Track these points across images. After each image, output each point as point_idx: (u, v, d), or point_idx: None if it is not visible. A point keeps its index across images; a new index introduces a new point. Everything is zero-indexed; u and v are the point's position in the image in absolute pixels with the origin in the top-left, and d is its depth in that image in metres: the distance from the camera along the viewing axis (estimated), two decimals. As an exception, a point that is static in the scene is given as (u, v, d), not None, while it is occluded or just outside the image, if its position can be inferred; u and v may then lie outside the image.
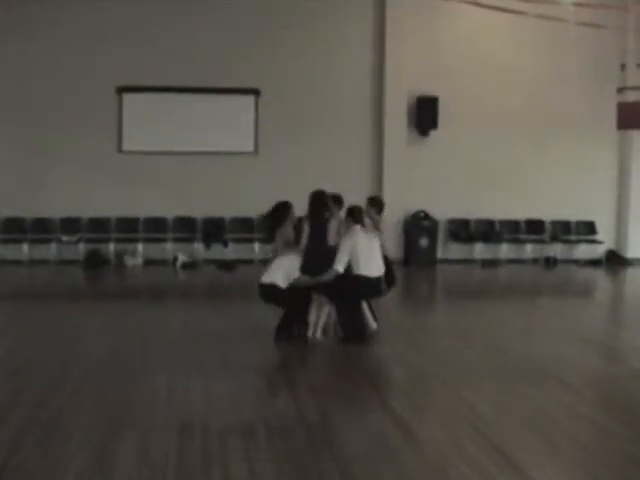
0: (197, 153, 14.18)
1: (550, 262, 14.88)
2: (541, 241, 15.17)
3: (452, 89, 14.55)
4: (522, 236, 15.15)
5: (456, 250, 14.98)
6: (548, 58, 14.92)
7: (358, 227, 7.85)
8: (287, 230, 7.87)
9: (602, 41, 14.54)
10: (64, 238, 13.74)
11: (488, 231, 15.00)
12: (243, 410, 5.69)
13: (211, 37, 14.04)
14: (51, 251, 13.72)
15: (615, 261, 15.13)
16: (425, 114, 14.51)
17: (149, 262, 13.84)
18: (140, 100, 14.06)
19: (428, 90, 14.53)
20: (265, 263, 8.46)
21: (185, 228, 14.23)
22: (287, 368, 7.11)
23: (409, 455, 4.74)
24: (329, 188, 8.19)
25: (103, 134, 13.93)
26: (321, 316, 7.82)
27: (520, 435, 5.13)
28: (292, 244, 7.81)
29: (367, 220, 7.98)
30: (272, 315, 7.94)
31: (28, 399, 5.77)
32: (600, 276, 14.26)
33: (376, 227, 8.09)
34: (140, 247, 13.91)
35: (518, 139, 14.93)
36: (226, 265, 13.58)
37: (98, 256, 13.67)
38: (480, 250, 14.88)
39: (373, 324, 8.05)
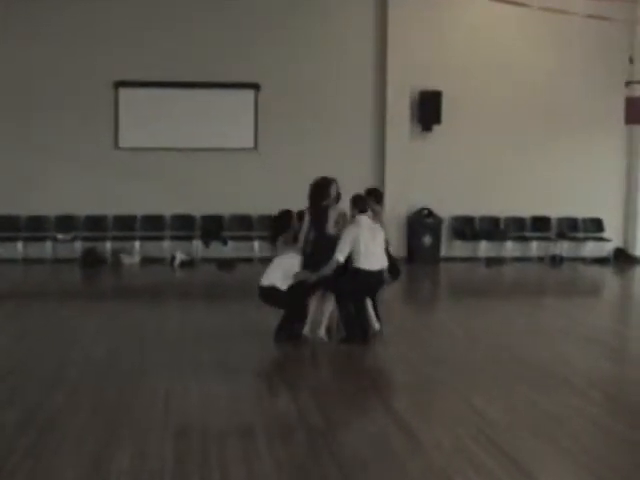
0: (195, 149, 14.18)
1: (556, 260, 14.88)
2: (547, 239, 15.16)
3: (456, 83, 14.54)
4: (527, 234, 15.15)
5: (460, 248, 14.99)
6: (554, 52, 14.90)
7: (363, 217, 7.81)
8: (288, 234, 7.94)
9: (610, 34, 14.54)
10: (59, 236, 13.75)
11: (493, 228, 15.00)
12: (242, 412, 5.68)
13: (210, 30, 14.02)
14: (46, 250, 13.73)
15: (623, 259, 15.12)
16: (428, 109, 14.49)
17: (146, 261, 13.84)
18: (137, 95, 14.05)
19: (431, 84, 14.51)
20: (265, 262, 8.46)
21: (183, 226, 14.23)
22: (287, 369, 7.10)
23: (413, 459, 4.73)
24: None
25: (99, 130, 13.94)
26: (325, 313, 7.78)
27: (527, 438, 5.11)
28: (290, 242, 7.84)
29: (369, 212, 7.97)
30: (272, 315, 7.93)
31: (24, 400, 5.78)
32: (608, 275, 14.25)
33: (377, 218, 8.07)
34: (137, 245, 13.92)
35: (523, 134, 14.91)
36: (225, 264, 13.58)
37: (94, 255, 13.68)
38: (485, 248, 14.87)
39: (376, 324, 8.04)
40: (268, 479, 4.42)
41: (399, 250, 13.44)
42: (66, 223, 13.90)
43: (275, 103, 14.21)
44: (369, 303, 8.01)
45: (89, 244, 13.79)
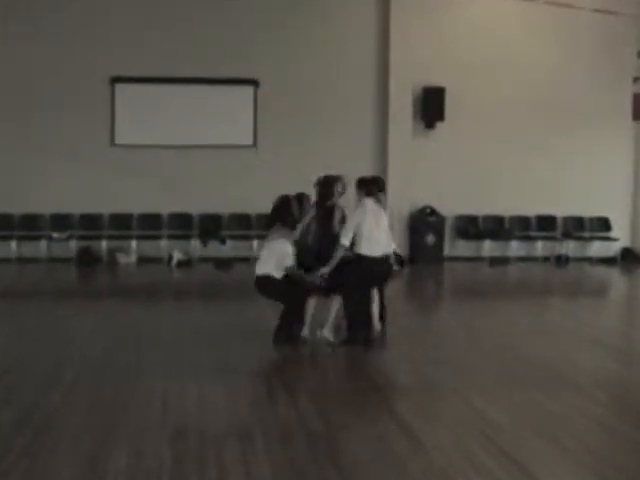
0: (193, 146, 14.22)
1: (562, 260, 14.91)
2: (553, 238, 15.19)
3: (460, 79, 14.57)
4: (533, 233, 15.19)
5: (464, 247, 15.02)
6: (560, 47, 14.92)
7: (369, 201, 7.78)
8: (288, 220, 7.95)
9: (617, 28, 14.57)
10: (54, 235, 13.80)
11: (497, 228, 15.03)
12: (240, 413, 5.72)
13: (208, 25, 14.06)
14: (41, 248, 13.78)
15: (631, 259, 15.15)
16: (431, 105, 14.53)
17: (143, 260, 13.89)
18: (134, 91, 14.09)
19: (434, 80, 14.55)
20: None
21: (181, 224, 14.27)
22: (286, 370, 7.15)
23: (415, 462, 4.75)
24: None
25: (95, 126, 13.98)
26: (331, 312, 7.79)
27: (531, 441, 5.14)
28: (288, 228, 7.84)
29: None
30: (271, 315, 7.97)
31: (20, 399, 5.83)
32: (615, 275, 14.29)
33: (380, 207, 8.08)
34: (134, 244, 13.96)
35: (528, 131, 14.94)
36: (224, 264, 13.62)
37: (90, 254, 13.73)
38: (489, 247, 14.91)
39: (377, 325, 8.07)
40: (267, 480, 4.47)
41: (401, 249, 13.44)
42: (61, 221, 13.95)
43: (275, 100, 14.24)
44: (376, 298, 8.00)
45: (85, 243, 13.83)
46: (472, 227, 15.00)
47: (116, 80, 13.95)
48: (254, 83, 14.28)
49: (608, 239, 15.21)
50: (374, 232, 7.66)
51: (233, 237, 14.19)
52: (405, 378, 6.88)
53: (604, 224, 15.31)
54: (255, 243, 13.79)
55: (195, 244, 14.14)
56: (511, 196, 14.97)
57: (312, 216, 7.85)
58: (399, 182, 14.28)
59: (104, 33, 13.83)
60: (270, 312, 8.04)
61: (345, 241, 7.53)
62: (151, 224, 14.19)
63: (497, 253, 14.95)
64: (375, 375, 6.99)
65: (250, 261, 13.44)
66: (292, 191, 8.23)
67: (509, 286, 13.24)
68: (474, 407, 5.83)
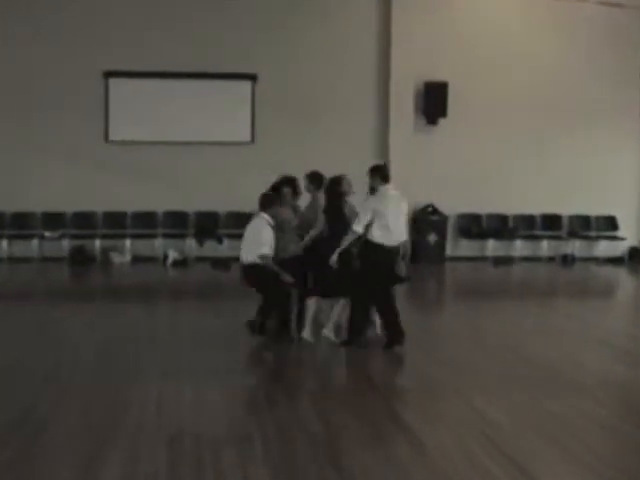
0: (189, 143, 14.26)
1: (568, 260, 14.96)
2: (558, 237, 15.25)
3: (463, 74, 14.61)
4: (537, 232, 15.24)
5: (466, 247, 15.07)
6: (564, 42, 14.95)
7: (388, 187, 7.65)
8: (282, 208, 8.15)
9: (622, 22, 14.61)
10: (47, 234, 13.83)
11: (501, 227, 15.08)
12: (237, 415, 5.79)
13: (205, 18, 14.10)
14: (32, 248, 13.81)
15: (638, 259, 15.20)
16: (433, 101, 14.56)
17: (138, 259, 13.93)
18: (128, 86, 14.11)
19: (437, 75, 14.59)
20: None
21: (176, 223, 14.32)
22: (286, 371, 7.21)
23: (417, 465, 4.81)
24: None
25: (88, 122, 14.00)
26: (334, 312, 7.82)
27: (534, 443, 5.19)
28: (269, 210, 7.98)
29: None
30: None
31: (12, 403, 5.87)
32: (622, 275, 14.33)
33: None
34: (128, 243, 14.00)
35: (532, 129, 14.97)
36: (220, 263, 13.66)
37: (83, 253, 13.78)
38: (492, 247, 14.96)
39: (378, 328, 8.12)
40: (265, 482, 4.53)
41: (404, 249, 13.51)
42: (53, 220, 13.98)
43: (273, 95, 14.27)
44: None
45: (78, 242, 13.87)
46: (475, 226, 15.04)
47: (110, 74, 13.98)
48: (252, 78, 14.32)
49: (615, 238, 15.26)
50: (392, 220, 7.52)
51: (230, 236, 14.17)
52: (406, 378, 6.95)
53: (611, 223, 15.35)
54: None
55: (191, 243, 14.18)
56: (515, 194, 15.00)
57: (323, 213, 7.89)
58: (400, 179, 13.99)
59: (103, 31, 13.86)
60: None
61: (358, 227, 7.44)
62: (146, 223, 14.23)
63: (501, 253, 14.99)
64: (377, 377, 7.04)
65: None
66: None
67: (513, 286, 13.27)
68: (475, 407, 5.89)
